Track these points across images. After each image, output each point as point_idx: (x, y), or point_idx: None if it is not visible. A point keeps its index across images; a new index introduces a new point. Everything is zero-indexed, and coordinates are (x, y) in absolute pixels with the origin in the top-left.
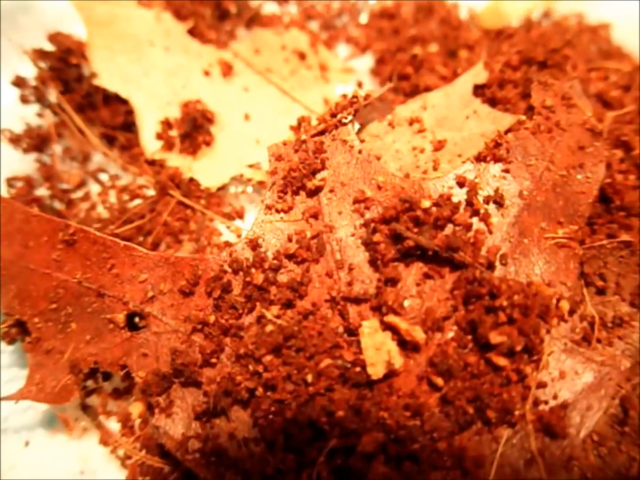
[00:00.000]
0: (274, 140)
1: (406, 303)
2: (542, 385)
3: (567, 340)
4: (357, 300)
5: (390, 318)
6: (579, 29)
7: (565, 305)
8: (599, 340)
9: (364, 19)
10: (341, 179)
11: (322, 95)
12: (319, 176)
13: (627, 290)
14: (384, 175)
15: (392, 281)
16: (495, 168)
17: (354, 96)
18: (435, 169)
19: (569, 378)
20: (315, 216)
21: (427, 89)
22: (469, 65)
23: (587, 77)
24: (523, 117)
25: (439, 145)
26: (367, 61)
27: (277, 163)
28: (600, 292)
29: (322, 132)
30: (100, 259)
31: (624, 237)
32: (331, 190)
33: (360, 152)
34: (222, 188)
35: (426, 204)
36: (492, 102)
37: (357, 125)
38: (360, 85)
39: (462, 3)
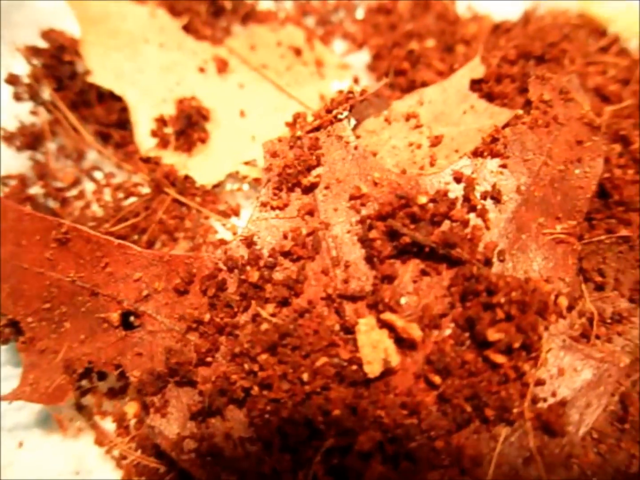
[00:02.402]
0: (270, 137)
1: (403, 300)
2: (540, 382)
3: (566, 337)
4: (353, 298)
5: (387, 316)
6: (578, 23)
7: (563, 302)
8: (597, 337)
9: (360, 14)
10: (337, 175)
11: (318, 91)
12: (314, 173)
13: (626, 286)
14: (380, 171)
15: (389, 278)
16: (493, 163)
17: (350, 92)
18: (432, 164)
19: (568, 375)
20: (310, 213)
21: (424, 84)
22: (466, 60)
23: (585, 72)
24: (520, 112)
25: (435, 141)
26: (363, 57)
27: (272, 160)
28: (599, 288)
29: (317, 129)
30: (94, 257)
31: (623, 232)
32: (327, 187)
33: (356, 148)
34: (218, 185)
35: (423, 200)
36: (490, 97)
37: (353, 121)
38: (356, 81)
39: None
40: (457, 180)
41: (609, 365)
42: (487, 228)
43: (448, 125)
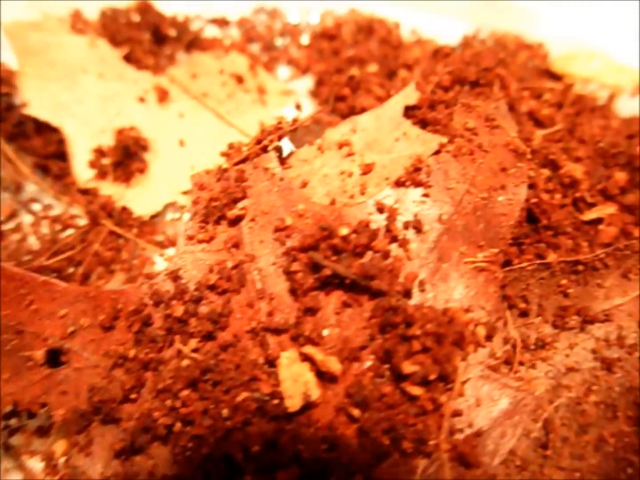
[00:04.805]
0: (209, 166)
1: (325, 332)
2: (457, 413)
3: (484, 367)
4: (277, 331)
5: (307, 349)
6: (516, 48)
7: (481, 331)
8: (521, 363)
9: (305, 39)
10: (262, 207)
11: (259, 118)
12: (240, 205)
13: (549, 312)
14: (304, 202)
15: (312, 310)
16: (415, 193)
17: (279, 122)
18: (362, 193)
19: (485, 405)
20: (236, 246)
21: (364, 110)
22: (404, 85)
23: (520, 96)
24: (444, 140)
25: (366, 169)
26: (307, 83)
27: (200, 192)
28: (523, 314)
29: (245, 160)
30: (19, 295)
31: (552, 256)
32: (252, 219)
33: (281, 179)
34: (157, 216)
35: (344, 231)
36: (423, 124)
37: (290, 150)
38: (298, 107)
39: (405, 22)
40: (380, 210)
41: (525, 394)
42: (408, 258)
43: (380, 152)
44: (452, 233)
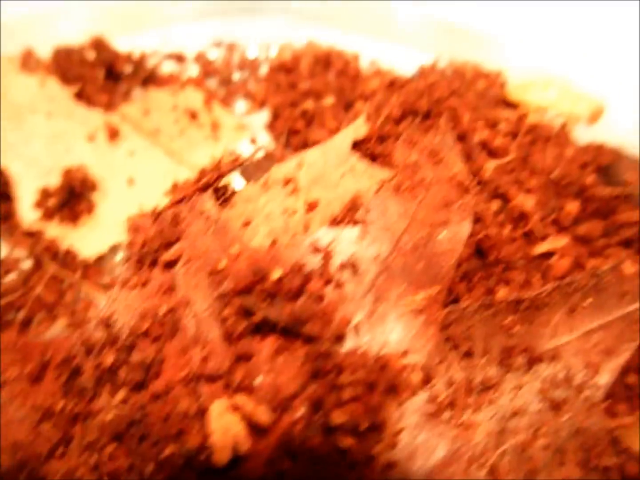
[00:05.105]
0: (159, 205)
1: (258, 380)
2: (391, 465)
3: (422, 414)
4: (210, 379)
5: (238, 398)
6: (473, 77)
7: (416, 377)
8: (465, 408)
9: (263, 72)
10: (197, 250)
11: (212, 155)
12: (174, 248)
13: (495, 352)
14: (239, 244)
15: (245, 357)
16: (352, 232)
17: (218, 162)
18: (305, 232)
19: (421, 455)
20: (170, 290)
21: (316, 144)
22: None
23: (473, 127)
24: (385, 176)
25: (311, 207)
26: (264, 116)
27: (135, 235)
28: (468, 355)
29: (181, 200)
30: None
31: (502, 291)
32: (187, 263)
33: (217, 220)
34: (102, 258)
35: (276, 274)
36: (372, 158)
37: (238, 186)
38: (253, 141)
39: (365, 52)
40: (315, 251)
41: (464, 442)
42: (343, 301)
43: (326, 189)
44: (389, 273)
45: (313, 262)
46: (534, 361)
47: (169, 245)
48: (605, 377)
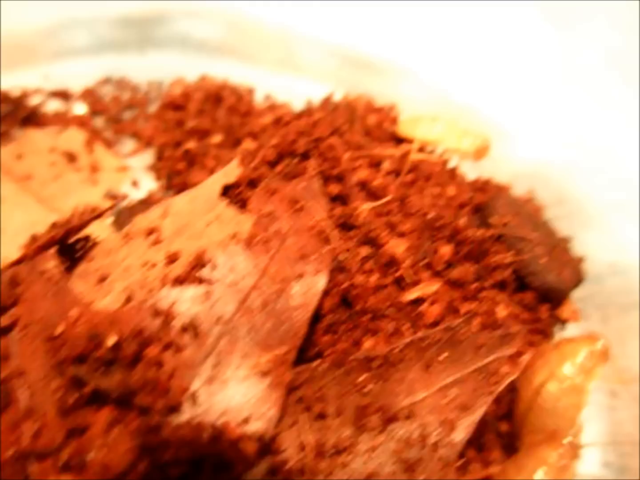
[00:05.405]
0: None
1: (90, 456)
2: None
3: None
4: (41, 456)
5: (65, 478)
6: (365, 111)
7: (251, 447)
8: (316, 472)
9: (153, 110)
10: (36, 314)
11: (87, 200)
12: (10, 313)
13: (348, 412)
14: (79, 307)
15: (78, 431)
16: (196, 291)
17: (72, 214)
18: (164, 286)
19: None
20: (5, 358)
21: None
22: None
23: (353, 166)
24: (236, 230)
25: (172, 259)
26: (150, 157)
27: None
28: (321, 416)
29: (22, 260)
30: None
31: (369, 343)
32: (23, 329)
33: (57, 282)
34: None
35: (111, 341)
36: (243, 204)
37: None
38: (135, 184)
39: (262, 86)
40: (155, 313)
41: None
42: (181, 367)
43: (190, 239)
44: (233, 335)
45: (153, 325)
46: (388, 420)
47: (4, 309)
48: (460, 434)
